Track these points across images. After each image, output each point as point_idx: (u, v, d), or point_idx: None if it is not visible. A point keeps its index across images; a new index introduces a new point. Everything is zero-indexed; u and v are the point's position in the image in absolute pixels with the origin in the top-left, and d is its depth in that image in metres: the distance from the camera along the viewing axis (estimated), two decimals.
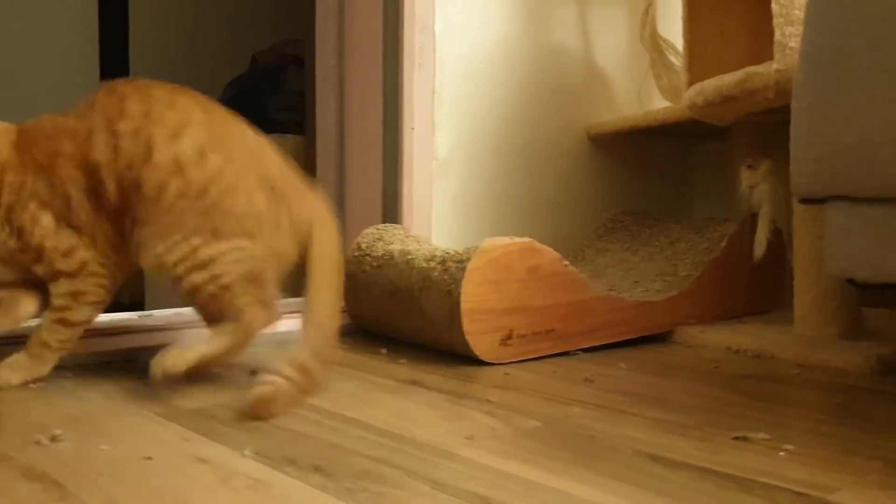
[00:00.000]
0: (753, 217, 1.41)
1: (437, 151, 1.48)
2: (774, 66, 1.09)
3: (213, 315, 0.94)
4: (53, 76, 2.61)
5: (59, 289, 0.95)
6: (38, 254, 0.93)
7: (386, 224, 1.41)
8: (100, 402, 0.90)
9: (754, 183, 1.37)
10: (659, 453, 0.74)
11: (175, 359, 0.90)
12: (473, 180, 1.55)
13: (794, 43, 1.06)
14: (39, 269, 0.94)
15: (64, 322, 0.95)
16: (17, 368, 0.95)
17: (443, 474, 0.67)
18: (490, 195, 1.58)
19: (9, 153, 0.93)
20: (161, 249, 0.90)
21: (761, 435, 0.79)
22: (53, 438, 0.74)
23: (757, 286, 1.50)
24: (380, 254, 1.28)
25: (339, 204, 1.57)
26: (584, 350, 1.24)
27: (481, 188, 1.56)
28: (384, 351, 1.22)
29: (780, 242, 1.39)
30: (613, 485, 0.66)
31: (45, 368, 0.96)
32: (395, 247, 1.28)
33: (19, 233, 0.93)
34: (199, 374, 0.95)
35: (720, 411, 0.91)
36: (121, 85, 0.96)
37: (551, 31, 1.67)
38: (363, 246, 1.33)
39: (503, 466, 0.70)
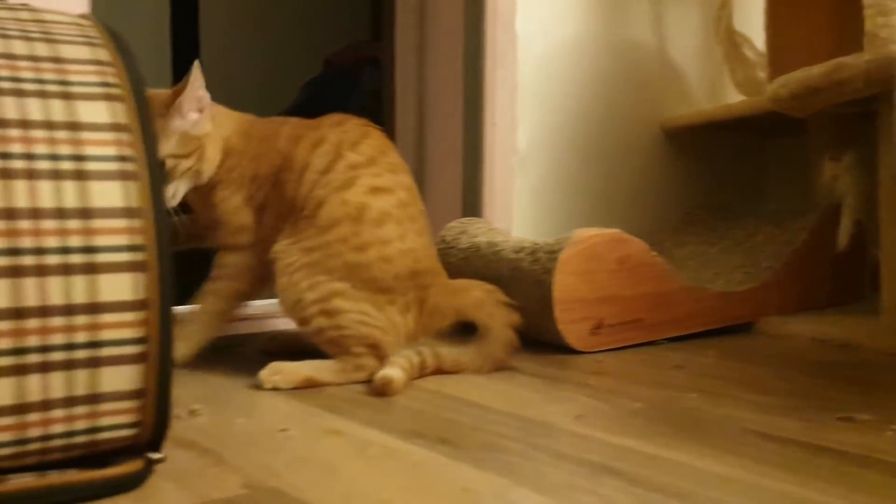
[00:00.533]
0: (834, 208, 1.42)
1: (518, 146, 1.51)
2: (865, 56, 1.10)
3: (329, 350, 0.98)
4: None
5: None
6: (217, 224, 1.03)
7: (468, 217, 1.45)
8: (222, 382, 0.95)
9: (837, 174, 1.38)
10: (767, 431, 0.76)
11: (286, 377, 0.93)
12: (552, 174, 1.58)
13: (886, 33, 1.07)
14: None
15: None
16: (187, 338, 1.00)
17: (563, 447, 0.71)
18: (567, 189, 1.61)
19: (237, 140, 1.04)
20: (305, 285, 0.95)
21: (865, 416, 0.81)
22: (192, 413, 0.80)
23: (838, 277, 1.50)
24: (465, 246, 1.32)
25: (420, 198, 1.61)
26: (669, 340, 1.26)
27: (559, 182, 1.59)
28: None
29: (860, 233, 1.40)
30: (730, 458, 0.68)
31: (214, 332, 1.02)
32: (481, 239, 1.31)
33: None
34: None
35: (817, 395, 0.93)
36: (357, 120, 1.06)
37: (627, 27, 1.69)
38: (448, 239, 1.37)
39: (619, 441, 0.73)
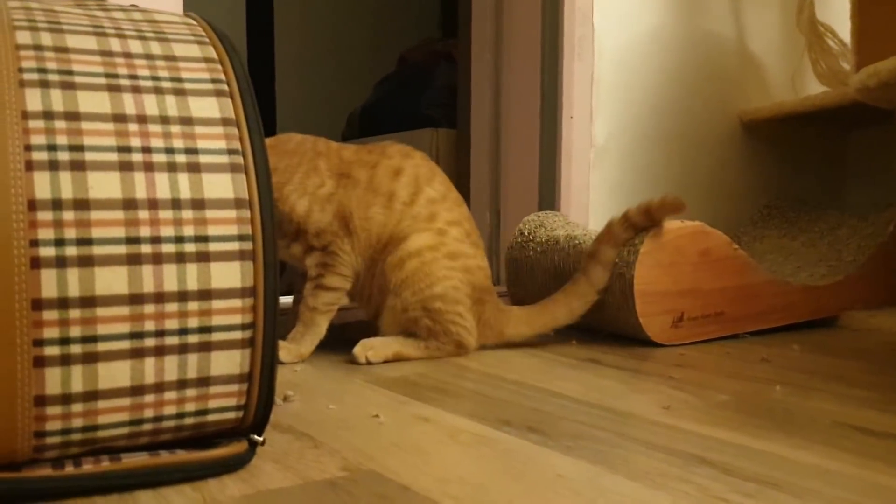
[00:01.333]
0: None
1: (595, 139, 1.51)
2: None
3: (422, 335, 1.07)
4: None
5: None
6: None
7: (545, 211, 1.45)
8: (311, 371, 0.98)
9: None
10: (860, 424, 0.75)
11: (377, 351, 1.03)
12: (629, 167, 1.57)
13: None
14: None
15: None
16: (299, 340, 1.05)
17: (653, 437, 0.71)
18: (645, 182, 1.60)
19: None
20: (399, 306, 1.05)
21: None
22: (285, 399, 0.82)
23: None
24: (544, 239, 1.33)
25: (495, 192, 1.63)
26: (752, 333, 1.25)
27: (637, 175, 1.59)
28: (551, 333, 1.26)
29: None
30: (826, 450, 0.68)
31: (322, 330, 1.06)
32: (559, 232, 1.32)
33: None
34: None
35: None
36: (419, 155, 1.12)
37: (705, 19, 1.67)
38: (525, 232, 1.38)
39: (708, 432, 0.73)
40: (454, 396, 0.85)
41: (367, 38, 3.02)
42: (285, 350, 1.02)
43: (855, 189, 1.91)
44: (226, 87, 0.62)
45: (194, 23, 0.67)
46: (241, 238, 0.58)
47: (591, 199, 1.51)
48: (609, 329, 1.22)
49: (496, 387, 0.90)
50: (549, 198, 1.53)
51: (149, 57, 0.61)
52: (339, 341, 1.07)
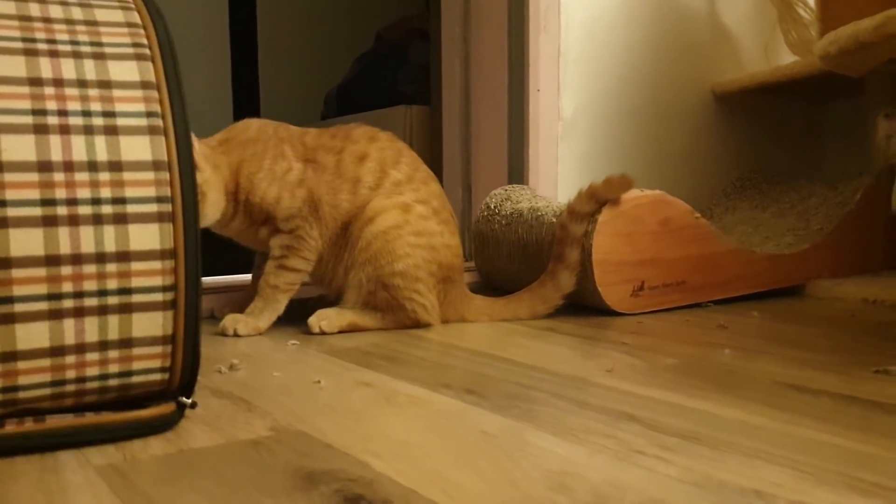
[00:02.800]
0: (890, 168, 1.38)
1: (563, 112, 1.51)
2: None
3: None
4: (185, 53, 2.78)
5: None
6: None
7: (513, 185, 1.45)
8: (267, 342, 0.98)
9: (892, 133, 1.34)
10: (800, 384, 0.76)
11: (331, 321, 1.04)
12: (599, 140, 1.57)
13: None
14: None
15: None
16: (257, 315, 1.05)
17: (587, 397, 0.71)
18: (616, 155, 1.60)
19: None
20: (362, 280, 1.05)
21: None
22: (231, 367, 0.83)
23: (892, 240, 1.46)
24: (508, 212, 1.33)
25: (466, 168, 1.63)
26: (715, 302, 1.25)
27: (607, 148, 1.58)
28: None
29: None
30: (756, 407, 0.68)
31: (280, 307, 1.06)
32: (524, 205, 1.32)
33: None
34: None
35: (859, 351, 0.91)
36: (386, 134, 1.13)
37: None
38: (492, 206, 1.38)
39: (645, 392, 0.73)
40: (402, 364, 0.86)
41: (351, 15, 3.00)
42: (242, 323, 1.03)
43: (830, 161, 1.91)
44: (147, 51, 0.62)
45: None
46: (159, 200, 0.59)
47: (560, 171, 1.51)
48: (570, 299, 1.22)
49: (447, 354, 0.91)
50: (518, 172, 1.52)
51: (69, 22, 0.61)
52: (300, 317, 1.08)
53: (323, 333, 1.02)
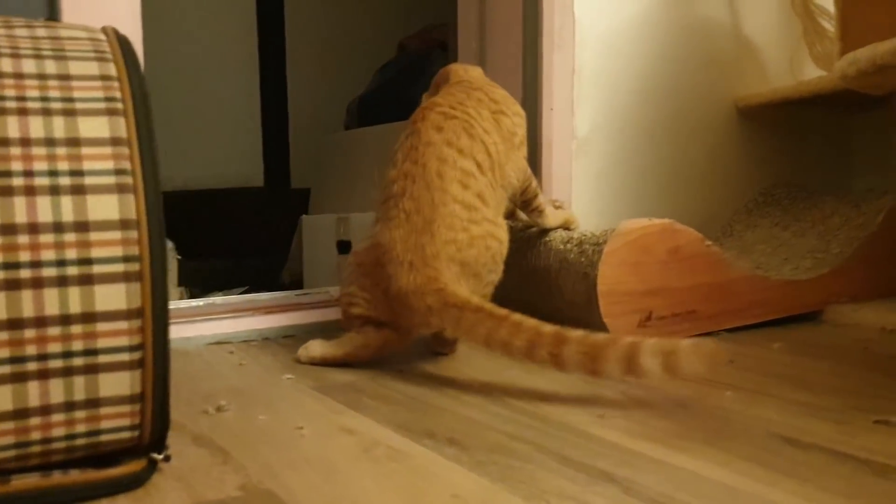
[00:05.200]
0: None
1: (578, 130, 1.49)
2: None
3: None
4: (216, 63, 2.80)
5: None
6: None
7: None
8: (260, 374, 0.98)
9: None
10: (793, 436, 0.73)
11: (309, 351, 1.04)
12: (616, 157, 1.54)
13: None
14: None
15: None
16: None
17: (571, 451, 0.70)
18: (634, 172, 1.57)
19: None
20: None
21: None
22: (219, 409, 0.83)
23: None
24: (519, 236, 1.31)
25: None
26: (728, 330, 1.22)
27: (625, 165, 1.56)
28: None
29: None
30: (742, 465, 0.66)
31: None
32: (534, 228, 1.30)
33: None
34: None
35: (863, 394, 0.88)
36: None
37: (696, 2, 1.63)
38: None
39: (632, 445, 0.71)
40: (391, 404, 0.85)
41: (373, 23, 3.00)
42: None
43: (861, 176, 1.85)
44: (120, 106, 0.62)
45: (103, 38, 0.67)
46: (126, 259, 0.58)
47: (574, 190, 1.49)
48: (576, 328, 1.20)
49: (440, 392, 0.90)
50: None
51: (41, 77, 0.60)
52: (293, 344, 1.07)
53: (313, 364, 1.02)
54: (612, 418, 0.80)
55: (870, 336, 1.19)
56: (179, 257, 1.75)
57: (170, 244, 1.81)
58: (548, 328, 0.86)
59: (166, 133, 2.68)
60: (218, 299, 1.24)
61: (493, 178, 1.05)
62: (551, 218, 1.24)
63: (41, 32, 0.65)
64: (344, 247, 1.93)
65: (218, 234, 2.68)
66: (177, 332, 1.15)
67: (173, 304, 1.19)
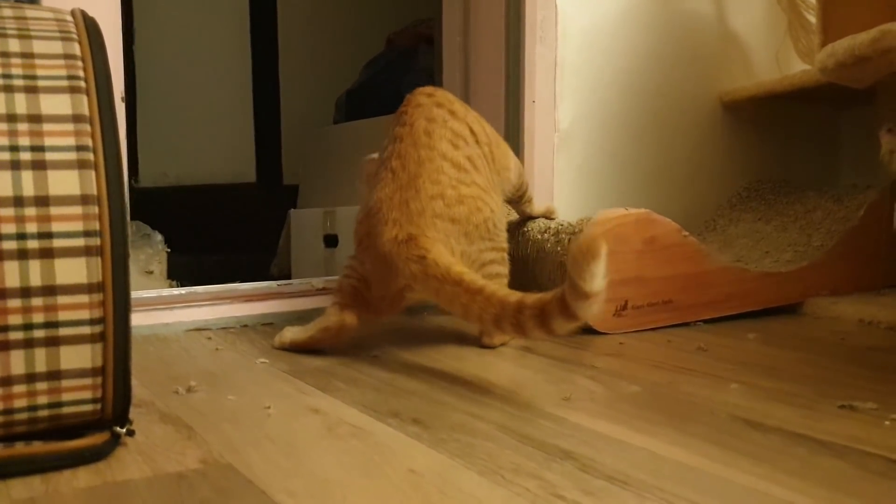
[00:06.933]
0: (894, 184, 1.34)
1: (560, 123, 1.49)
2: None
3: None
4: (208, 60, 2.81)
5: None
6: None
7: None
8: (235, 359, 0.99)
9: (894, 148, 1.30)
10: (756, 419, 0.74)
11: (280, 338, 1.05)
12: (598, 151, 1.55)
13: None
14: None
15: None
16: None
17: (532, 430, 0.70)
18: (616, 166, 1.57)
19: None
20: None
21: (869, 404, 0.77)
22: (189, 389, 0.83)
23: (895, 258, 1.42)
24: None
25: None
26: (706, 321, 1.23)
27: (607, 159, 1.56)
28: None
29: None
30: (701, 446, 0.67)
31: None
32: (512, 218, 1.31)
33: None
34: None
35: (834, 382, 0.89)
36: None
37: None
38: None
39: (593, 426, 0.72)
40: (361, 387, 0.86)
41: (360, 18, 3.00)
42: None
43: (847, 170, 1.86)
44: (82, 84, 0.62)
45: (69, 19, 0.68)
46: (87, 234, 0.59)
47: (556, 183, 1.49)
48: None
49: (411, 376, 0.90)
50: None
51: (4, 55, 0.61)
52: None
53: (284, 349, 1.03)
54: (579, 401, 0.80)
55: (848, 328, 1.20)
56: (169, 250, 1.75)
57: (158, 236, 1.81)
58: (512, 298, 0.84)
59: (159, 129, 2.69)
60: (199, 288, 1.24)
61: (488, 154, 1.05)
62: (537, 206, 1.26)
63: (7, 13, 0.66)
64: (331, 241, 1.93)
65: (210, 230, 2.69)
66: (156, 318, 1.16)
67: (154, 293, 1.20)
